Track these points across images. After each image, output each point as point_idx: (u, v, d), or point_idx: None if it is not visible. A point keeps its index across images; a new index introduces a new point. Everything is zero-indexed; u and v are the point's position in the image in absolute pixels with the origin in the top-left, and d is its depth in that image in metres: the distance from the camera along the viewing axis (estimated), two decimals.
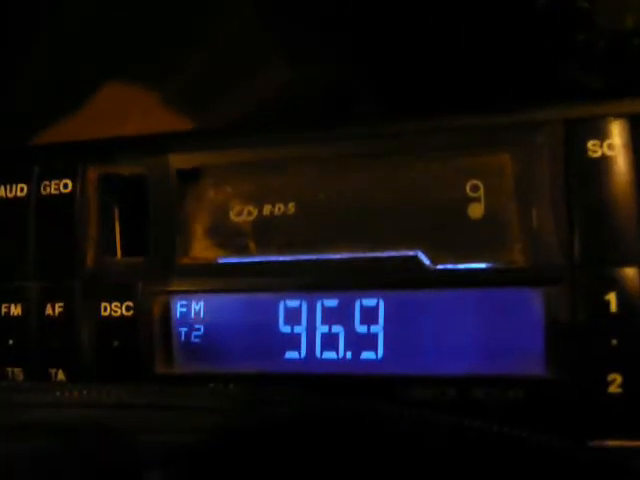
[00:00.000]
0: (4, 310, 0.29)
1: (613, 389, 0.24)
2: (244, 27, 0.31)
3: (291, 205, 0.28)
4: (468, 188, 0.27)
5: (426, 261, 0.26)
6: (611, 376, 0.24)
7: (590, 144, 0.25)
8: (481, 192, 0.26)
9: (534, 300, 0.25)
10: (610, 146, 0.24)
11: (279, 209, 0.28)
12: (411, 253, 0.27)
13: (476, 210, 0.26)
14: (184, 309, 0.29)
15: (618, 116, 0.25)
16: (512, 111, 0.26)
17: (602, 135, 0.25)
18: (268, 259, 0.28)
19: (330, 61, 0.31)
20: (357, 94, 0.30)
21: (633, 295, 0.24)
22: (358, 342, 0.27)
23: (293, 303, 0.28)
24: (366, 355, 0.27)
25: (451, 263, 0.26)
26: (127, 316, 0.28)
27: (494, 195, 0.26)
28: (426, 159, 0.27)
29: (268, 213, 0.28)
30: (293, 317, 0.28)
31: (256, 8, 0.31)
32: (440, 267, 0.26)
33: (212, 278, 0.28)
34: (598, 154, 0.24)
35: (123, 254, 0.30)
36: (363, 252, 0.27)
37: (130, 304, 0.29)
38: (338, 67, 0.31)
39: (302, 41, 0.31)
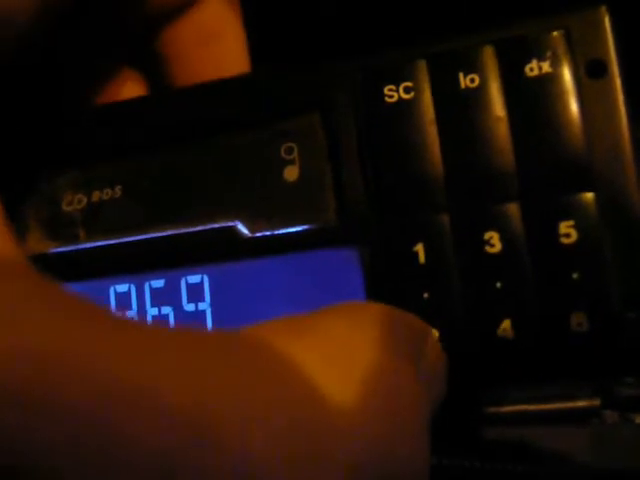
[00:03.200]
0: None
1: None
2: None
3: (118, 189, 0.28)
4: (283, 151, 0.26)
5: (244, 230, 0.25)
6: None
7: (386, 89, 0.23)
8: (295, 154, 0.25)
9: (351, 260, 0.24)
10: (406, 89, 0.23)
11: (107, 194, 0.28)
12: (229, 224, 0.26)
13: (292, 173, 0.25)
14: None
15: (412, 58, 0.23)
16: (312, 67, 0.25)
17: (398, 79, 0.23)
18: (96, 245, 0.27)
19: None
20: None
21: (442, 244, 0.23)
22: (188, 321, 0.26)
23: (122, 287, 0.27)
24: None
25: (270, 229, 0.25)
26: None
27: (308, 156, 0.25)
28: (239, 127, 0.26)
29: (97, 199, 0.28)
30: (124, 302, 0.27)
31: None
32: (258, 235, 0.25)
33: (45, 270, 0.28)
34: (394, 99, 0.23)
35: None
36: (185, 228, 0.26)
37: None
38: None
39: None
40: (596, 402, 0.34)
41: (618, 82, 0.22)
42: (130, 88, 0.30)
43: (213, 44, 0.28)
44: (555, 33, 0.22)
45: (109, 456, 0.12)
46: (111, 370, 0.13)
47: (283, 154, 0.25)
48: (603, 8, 0.22)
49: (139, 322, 0.15)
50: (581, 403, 0.34)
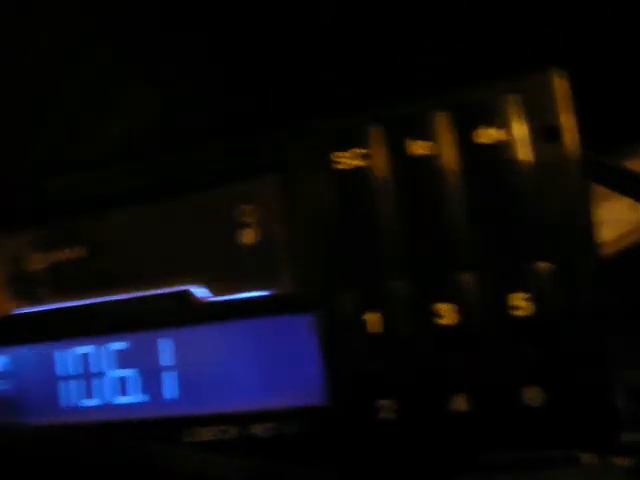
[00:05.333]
0: None
1: (386, 415, 0.22)
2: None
3: (83, 249, 0.28)
4: (239, 213, 0.25)
5: (200, 294, 0.25)
6: (382, 402, 0.22)
7: (338, 156, 0.23)
8: (252, 217, 0.25)
9: (307, 327, 0.24)
10: (359, 155, 0.23)
11: (71, 254, 0.28)
12: (185, 288, 0.25)
13: (248, 236, 0.25)
14: None
15: (365, 124, 0.23)
16: (271, 133, 0.25)
17: (352, 145, 0.23)
18: (60, 306, 0.27)
19: None
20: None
21: (396, 314, 0.22)
22: (146, 385, 0.26)
23: (85, 349, 0.27)
24: (155, 397, 0.26)
25: (226, 294, 0.25)
26: None
27: (265, 219, 0.25)
28: (196, 189, 0.26)
29: (61, 260, 0.28)
30: (87, 363, 0.27)
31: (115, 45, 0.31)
32: (213, 299, 0.25)
33: (9, 331, 0.28)
34: (346, 165, 0.23)
35: None
36: (144, 291, 0.26)
37: None
38: None
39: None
40: None
41: (573, 146, 0.22)
42: None
43: None
44: (507, 99, 0.22)
45: None
46: None
47: (240, 217, 0.25)
48: (556, 71, 0.22)
49: None
50: None
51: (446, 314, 0.22)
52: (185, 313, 0.25)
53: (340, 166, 0.23)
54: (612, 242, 0.40)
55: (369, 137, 0.23)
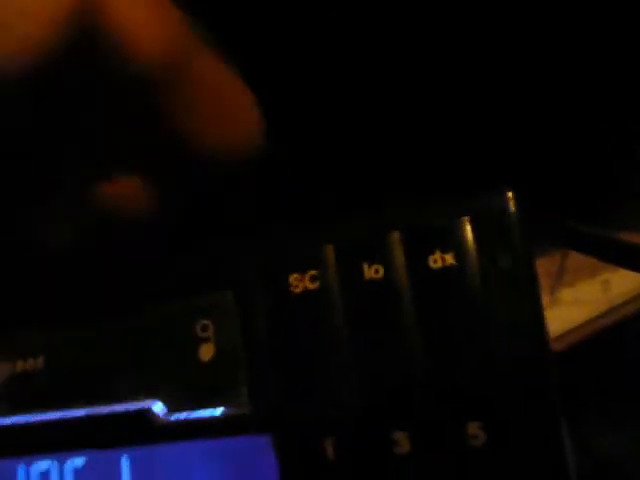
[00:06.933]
0: None
1: None
2: None
3: (40, 359, 0.27)
4: (199, 328, 0.25)
5: (160, 412, 0.25)
6: None
7: (292, 279, 0.23)
8: (210, 332, 0.25)
9: (264, 449, 0.23)
10: (312, 278, 0.23)
11: (30, 365, 0.27)
12: (145, 405, 0.25)
13: (207, 351, 0.25)
14: None
15: (318, 245, 0.23)
16: (228, 251, 0.24)
17: (305, 267, 0.23)
18: (17, 421, 0.27)
19: None
20: None
21: (350, 441, 0.22)
22: None
23: (42, 466, 0.26)
24: None
25: (186, 410, 0.25)
26: None
27: (224, 334, 0.25)
28: (155, 303, 0.25)
29: (20, 370, 0.28)
30: None
31: None
32: (174, 418, 0.25)
33: None
34: (300, 289, 0.23)
35: None
36: (103, 407, 0.26)
37: None
38: None
39: None
40: None
41: (526, 271, 0.21)
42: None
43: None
44: (459, 222, 0.22)
45: None
46: None
47: (198, 332, 0.25)
48: (509, 194, 0.22)
49: None
50: None
51: (401, 443, 0.21)
52: (148, 430, 0.24)
53: (293, 289, 0.23)
54: (584, 324, 0.40)
55: (322, 259, 0.23)
